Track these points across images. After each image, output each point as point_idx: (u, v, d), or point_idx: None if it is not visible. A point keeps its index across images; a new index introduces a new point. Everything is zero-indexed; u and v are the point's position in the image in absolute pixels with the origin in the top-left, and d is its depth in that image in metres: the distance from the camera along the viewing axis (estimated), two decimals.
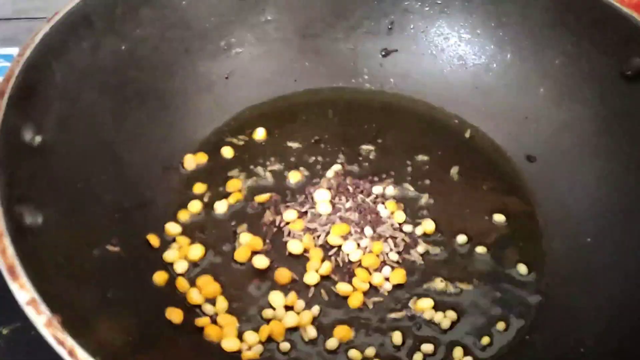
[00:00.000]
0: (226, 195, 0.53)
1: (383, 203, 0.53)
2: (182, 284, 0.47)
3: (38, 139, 0.41)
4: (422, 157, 0.57)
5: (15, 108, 0.39)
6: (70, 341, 0.30)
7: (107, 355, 0.31)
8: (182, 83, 0.57)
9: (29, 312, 0.31)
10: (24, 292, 0.31)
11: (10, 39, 0.67)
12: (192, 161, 0.55)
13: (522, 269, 0.49)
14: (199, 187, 0.53)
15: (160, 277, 0.46)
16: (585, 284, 0.47)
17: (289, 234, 0.51)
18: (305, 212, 0.52)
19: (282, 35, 0.61)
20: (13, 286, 0.31)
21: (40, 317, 0.31)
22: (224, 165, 0.55)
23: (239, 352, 0.44)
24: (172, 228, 0.50)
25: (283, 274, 0.48)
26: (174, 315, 0.44)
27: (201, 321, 0.45)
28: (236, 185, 0.54)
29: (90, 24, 0.48)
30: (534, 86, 0.58)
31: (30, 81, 0.42)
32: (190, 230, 0.50)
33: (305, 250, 0.50)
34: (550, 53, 0.56)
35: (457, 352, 0.44)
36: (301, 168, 0.56)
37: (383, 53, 0.62)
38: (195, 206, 0.52)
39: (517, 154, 0.57)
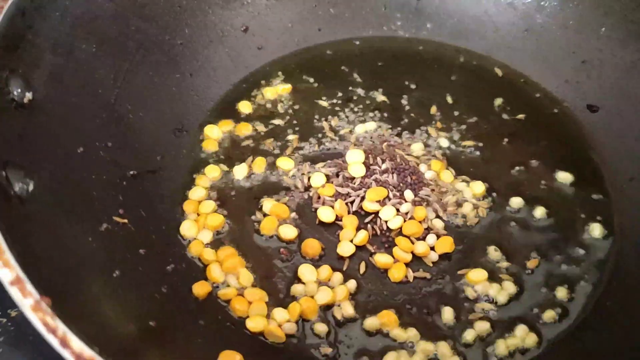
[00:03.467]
0: (244, 158, 0.47)
1: (425, 163, 0.46)
2: (206, 255, 0.42)
3: (29, 95, 0.36)
4: (466, 111, 0.50)
5: (0, 59, 0.34)
6: (62, 327, 0.25)
7: (109, 343, 0.26)
8: (192, 34, 0.51)
9: (14, 293, 0.26)
10: (7, 270, 0.26)
11: None
12: (217, 131, 0.49)
13: (594, 232, 0.43)
14: (210, 144, 0.48)
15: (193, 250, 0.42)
16: None
17: (318, 200, 0.45)
18: (336, 175, 0.46)
19: None
20: None
21: (27, 300, 0.25)
22: (242, 122, 0.50)
23: (263, 333, 0.38)
24: (194, 194, 0.45)
25: (312, 245, 0.42)
26: (200, 288, 0.40)
27: (226, 293, 0.40)
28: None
29: None
30: (594, 25, 0.50)
31: (18, 29, 0.36)
32: (207, 198, 0.45)
33: (338, 218, 0.44)
34: None
35: (520, 330, 0.38)
36: (329, 126, 0.49)
37: None
38: (212, 171, 0.46)
39: (576, 103, 0.50)
